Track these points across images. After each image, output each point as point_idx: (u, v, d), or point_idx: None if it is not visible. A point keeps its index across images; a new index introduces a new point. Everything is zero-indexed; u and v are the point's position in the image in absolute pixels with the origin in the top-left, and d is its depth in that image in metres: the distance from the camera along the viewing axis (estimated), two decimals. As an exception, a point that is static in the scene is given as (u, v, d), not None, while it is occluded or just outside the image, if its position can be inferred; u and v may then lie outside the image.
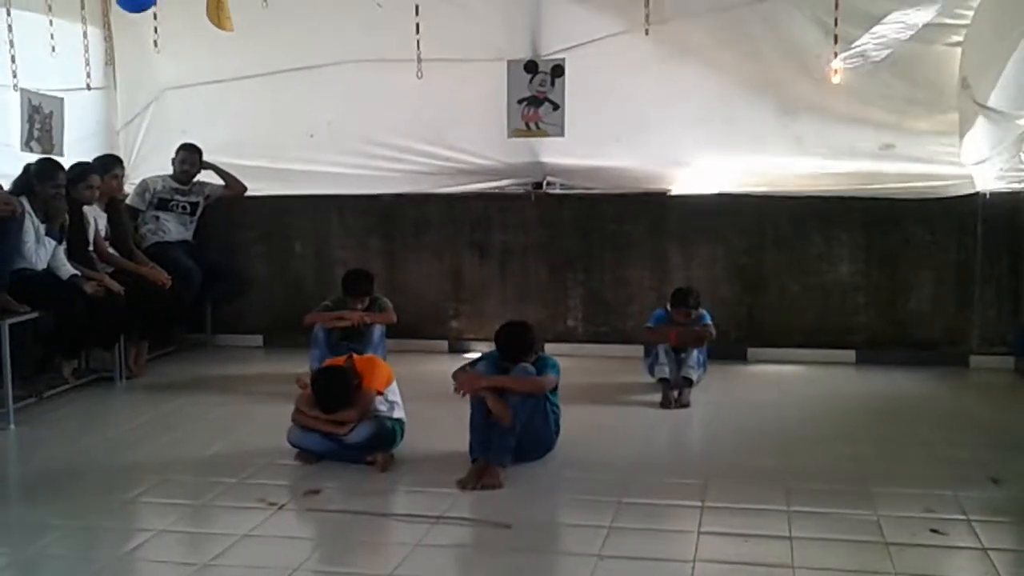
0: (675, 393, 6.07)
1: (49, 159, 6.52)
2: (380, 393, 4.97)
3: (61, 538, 4.10)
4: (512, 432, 4.65)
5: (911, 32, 6.73)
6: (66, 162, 6.60)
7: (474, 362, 5.01)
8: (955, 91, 6.74)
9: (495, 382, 4.74)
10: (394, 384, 5.11)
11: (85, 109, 7.81)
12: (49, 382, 6.48)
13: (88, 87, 7.61)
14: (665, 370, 6.17)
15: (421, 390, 5.65)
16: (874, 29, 6.74)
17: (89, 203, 6.68)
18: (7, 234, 5.92)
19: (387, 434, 4.93)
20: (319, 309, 6.68)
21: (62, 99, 7.33)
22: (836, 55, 6.64)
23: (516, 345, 4.92)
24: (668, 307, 6.47)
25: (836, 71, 6.67)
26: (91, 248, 6.72)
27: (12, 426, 5.74)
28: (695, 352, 6.24)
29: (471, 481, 4.54)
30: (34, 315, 6.02)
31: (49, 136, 7.20)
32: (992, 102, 6.42)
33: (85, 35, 7.43)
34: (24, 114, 6.98)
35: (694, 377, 6.18)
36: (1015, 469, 4.79)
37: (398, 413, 5.05)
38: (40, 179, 6.15)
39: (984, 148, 6.67)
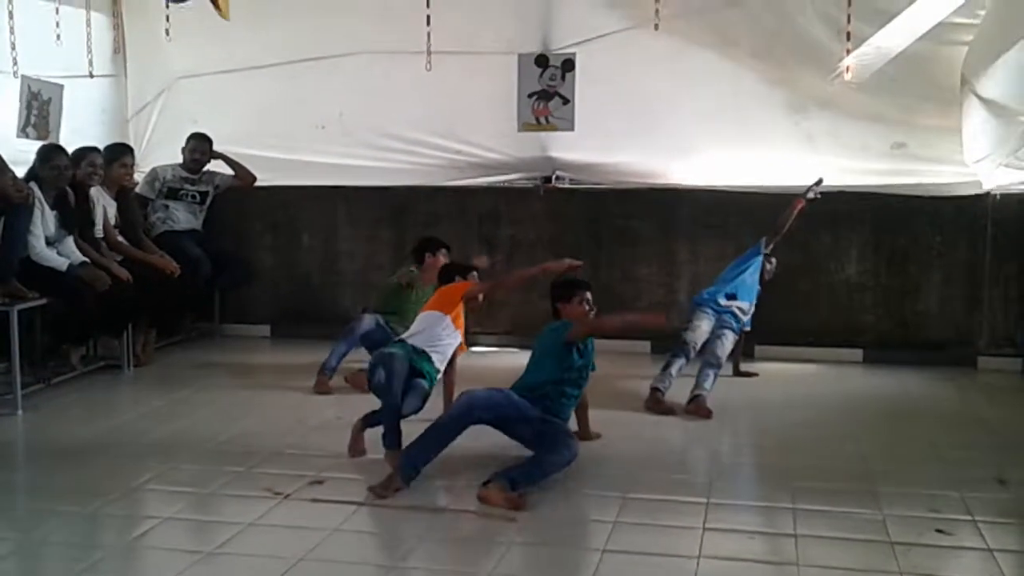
0: (659, 397, 5.94)
1: (52, 144, 6.53)
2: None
3: (66, 524, 4.11)
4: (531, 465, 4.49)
5: (924, 30, 6.70)
6: (67, 149, 6.57)
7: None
8: (959, 91, 6.74)
9: None
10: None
11: (94, 97, 7.82)
12: (57, 369, 6.48)
13: (91, 75, 7.58)
14: (665, 382, 6.03)
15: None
16: (887, 27, 6.72)
17: (92, 184, 6.64)
18: (18, 221, 5.92)
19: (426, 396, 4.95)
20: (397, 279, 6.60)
21: (62, 86, 7.29)
22: (848, 52, 6.62)
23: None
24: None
25: (848, 68, 6.65)
26: (99, 234, 6.72)
27: (19, 412, 5.75)
28: (711, 373, 6.03)
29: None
30: (43, 302, 6.03)
31: (46, 123, 7.18)
32: (995, 97, 6.44)
33: (88, 22, 7.41)
34: (23, 100, 6.97)
35: (707, 388, 5.95)
36: (1022, 470, 4.77)
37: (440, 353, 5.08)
38: (41, 162, 6.16)
39: (986, 145, 6.67)
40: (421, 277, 6.42)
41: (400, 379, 4.80)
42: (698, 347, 6.21)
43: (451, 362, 5.30)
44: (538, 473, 4.43)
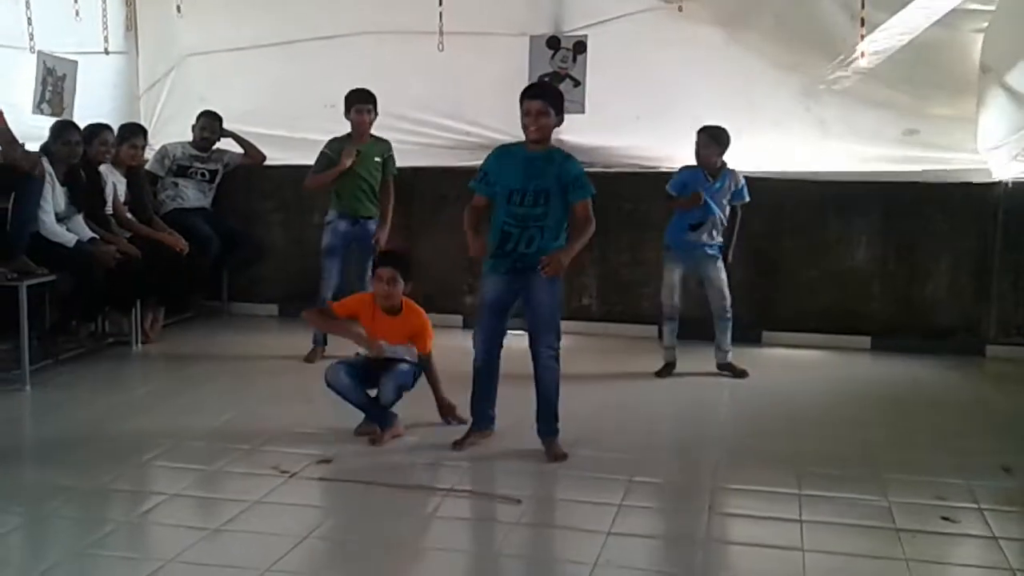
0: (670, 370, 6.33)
1: (65, 120, 6.54)
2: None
3: (74, 499, 4.13)
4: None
5: (938, 16, 6.67)
6: (80, 125, 6.58)
7: None
8: (977, 77, 6.70)
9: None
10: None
11: (106, 74, 7.81)
12: (65, 345, 6.49)
13: (106, 51, 7.58)
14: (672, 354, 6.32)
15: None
16: (901, 12, 6.69)
17: (103, 161, 6.66)
18: (28, 196, 5.93)
19: (409, 387, 4.93)
20: (316, 169, 6.53)
21: (76, 62, 7.31)
22: (862, 38, 6.59)
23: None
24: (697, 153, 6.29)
25: (862, 54, 6.63)
26: (109, 211, 6.72)
27: (28, 388, 5.76)
28: (726, 327, 6.32)
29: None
30: (52, 278, 6.03)
31: (60, 99, 7.20)
32: (1018, 86, 6.41)
33: (104, -1, 7.42)
34: (39, 76, 6.98)
35: (728, 347, 6.35)
36: (1028, 459, 4.77)
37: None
38: (54, 138, 6.17)
39: (1001, 132, 6.64)
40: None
41: (355, 392, 4.85)
42: (676, 302, 6.26)
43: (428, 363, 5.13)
44: (554, 393, 4.68)
